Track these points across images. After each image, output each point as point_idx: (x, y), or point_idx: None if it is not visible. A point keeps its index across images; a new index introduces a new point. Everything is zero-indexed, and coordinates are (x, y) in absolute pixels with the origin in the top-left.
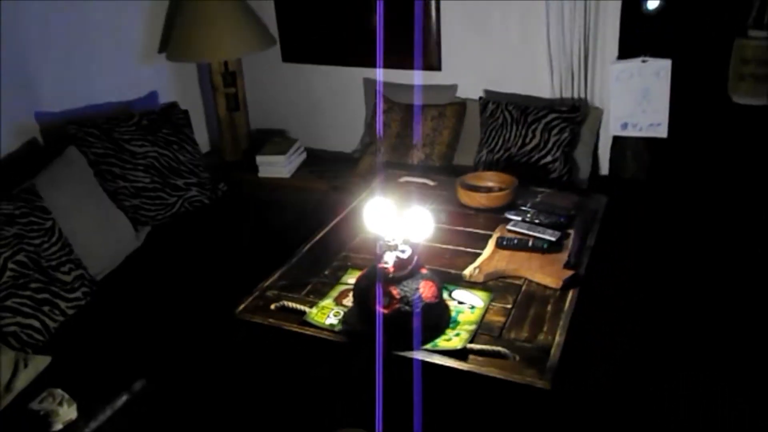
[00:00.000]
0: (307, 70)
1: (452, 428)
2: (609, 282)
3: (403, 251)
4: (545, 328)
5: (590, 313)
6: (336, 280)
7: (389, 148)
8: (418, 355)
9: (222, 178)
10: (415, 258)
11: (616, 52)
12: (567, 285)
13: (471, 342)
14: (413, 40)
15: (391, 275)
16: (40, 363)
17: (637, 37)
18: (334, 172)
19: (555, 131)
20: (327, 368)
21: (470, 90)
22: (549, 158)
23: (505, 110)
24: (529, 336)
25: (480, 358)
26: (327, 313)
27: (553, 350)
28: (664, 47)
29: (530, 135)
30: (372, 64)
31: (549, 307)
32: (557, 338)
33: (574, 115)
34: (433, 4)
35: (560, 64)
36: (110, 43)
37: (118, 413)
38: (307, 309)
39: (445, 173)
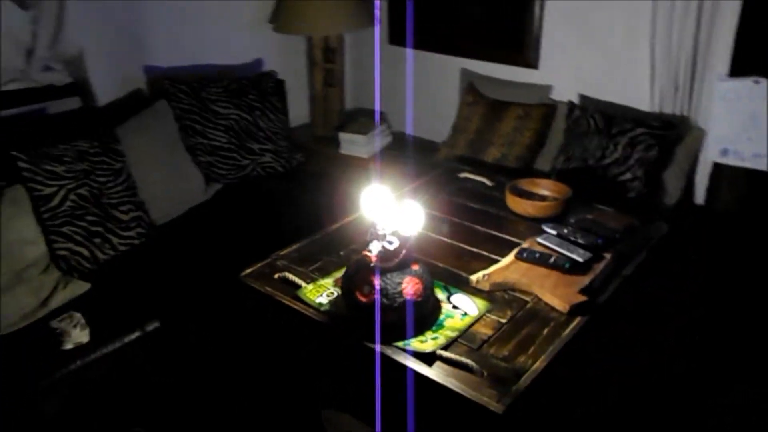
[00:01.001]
0: (409, 54)
1: (404, 425)
2: (632, 318)
3: (390, 242)
4: (530, 351)
5: (599, 346)
6: (344, 262)
7: (466, 143)
8: (385, 350)
9: (304, 150)
10: (403, 251)
11: (727, 68)
12: (575, 311)
13: (445, 349)
14: (513, 34)
15: (372, 264)
16: (78, 288)
17: (754, 54)
18: (412, 159)
19: (640, 147)
20: (314, 345)
21: (566, 93)
22: (628, 175)
23: (591, 118)
24: (508, 355)
25: (446, 367)
26: (321, 292)
27: (526, 375)
28: None
29: (611, 148)
30: (472, 55)
31: (546, 330)
32: (537, 364)
33: (666, 132)
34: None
35: (663, 76)
36: (222, 8)
37: (127, 346)
38: (303, 284)
39: (517, 176)
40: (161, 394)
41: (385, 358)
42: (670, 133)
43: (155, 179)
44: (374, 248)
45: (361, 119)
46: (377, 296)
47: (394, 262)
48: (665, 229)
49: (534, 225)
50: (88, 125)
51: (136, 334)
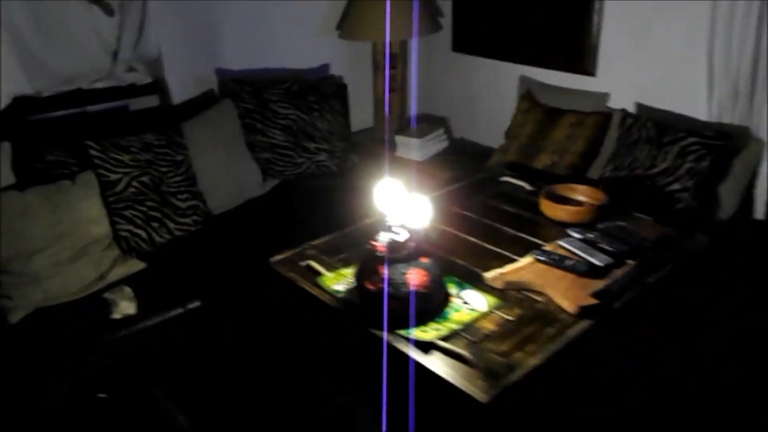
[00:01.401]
0: (472, 61)
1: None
2: (663, 326)
3: (398, 234)
4: (530, 349)
5: (607, 351)
6: None
7: (518, 149)
8: (386, 336)
9: (362, 151)
10: (411, 244)
11: None
12: (583, 313)
13: (445, 340)
14: (571, 41)
15: (380, 255)
16: (134, 266)
17: None
18: (464, 164)
19: (691, 157)
20: (328, 330)
21: (623, 101)
22: (677, 186)
23: (643, 126)
24: (507, 350)
25: (443, 357)
26: (339, 280)
27: (519, 370)
28: None
29: (661, 157)
30: (531, 63)
31: (551, 330)
32: (534, 360)
33: (720, 142)
34: (596, 5)
35: (722, 84)
36: (292, 15)
37: (169, 321)
38: (324, 272)
39: (563, 183)
40: (194, 367)
41: (387, 345)
42: (725, 144)
43: (214, 172)
44: (383, 239)
45: (422, 124)
46: (382, 285)
47: (402, 254)
48: (704, 241)
49: (564, 230)
50: (162, 121)
51: (179, 310)
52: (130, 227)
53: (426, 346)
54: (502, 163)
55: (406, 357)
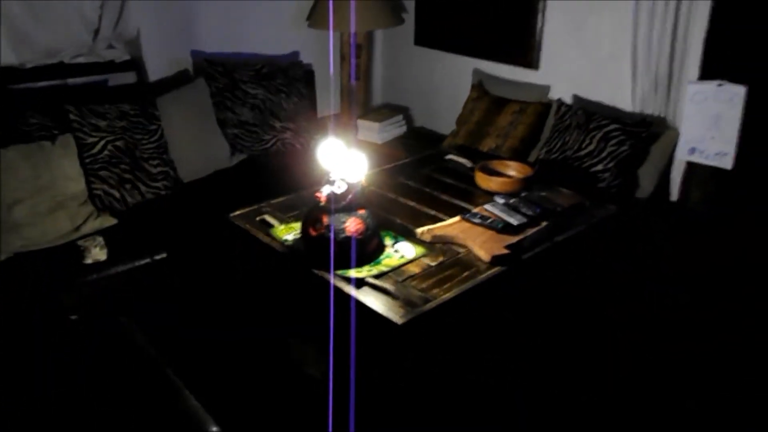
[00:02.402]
0: (432, 54)
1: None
2: (550, 279)
3: (338, 187)
4: (446, 286)
5: (514, 295)
6: None
7: (466, 134)
8: (324, 275)
9: (327, 134)
10: (350, 196)
11: (698, 72)
12: (496, 261)
13: (376, 278)
14: (518, 37)
15: (322, 204)
16: (106, 221)
17: (721, 59)
18: (419, 147)
19: (613, 142)
20: (279, 275)
21: (562, 92)
22: (600, 167)
23: (574, 114)
24: (425, 287)
25: (372, 291)
26: (289, 232)
27: (431, 303)
28: (746, 73)
29: (587, 141)
30: (483, 56)
31: (465, 274)
32: (446, 295)
33: (638, 129)
34: (540, 5)
35: (644, 78)
36: (266, 3)
37: (137, 269)
38: (276, 224)
39: None
40: (158, 308)
41: (323, 282)
42: (643, 131)
43: (185, 143)
44: (325, 191)
45: (383, 111)
46: (323, 231)
47: (342, 205)
48: (613, 210)
49: (492, 198)
50: (138, 95)
51: (146, 260)
52: (104, 186)
53: (358, 283)
54: (453, 146)
55: (342, 293)
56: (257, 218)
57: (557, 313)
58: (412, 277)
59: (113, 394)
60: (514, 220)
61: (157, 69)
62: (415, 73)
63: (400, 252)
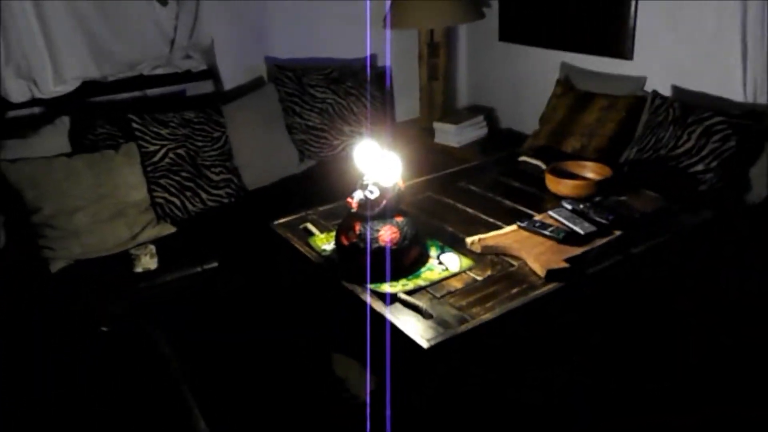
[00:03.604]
0: (517, 50)
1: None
2: (621, 298)
3: (371, 192)
4: (488, 305)
5: (571, 315)
6: None
7: (548, 134)
8: (356, 289)
9: (402, 138)
10: (384, 201)
11: None
12: (552, 276)
13: (410, 294)
14: (608, 24)
15: (354, 211)
16: (165, 229)
17: None
18: (500, 150)
19: (716, 137)
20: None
21: (660, 84)
22: (700, 167)
23: (670, 107)
24: (465, 306)
25: (402, 308)
26: (329, 241)
27: (467, 324)
28: None
29: (685, 137)
30: (571, 49)
31: (514, 290)
32: (485, 316)
33: (747, 122)
34: None
35: (755, 62)
36: (340, 5)
37: (187, 278)
38: (317, 233)
39: None
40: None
41: (352, 296)
42: (752, 124)
43: (252, 150)
44: (356, 196)
45: (463, 113)
46: (355, 240)
47: (376, 211)
48: (707, 216)
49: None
50: (209, 104)
51: (197, 269)
52: (165, 195)
53: (390, 299)
54: (533, 148)
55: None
56: (300, 226)
57: (623, 307)
58: (452, 293)
59: (125, 404)
60: (580, 229)
61: (232, 77)
62: (500, 71)
63: (444, 264)
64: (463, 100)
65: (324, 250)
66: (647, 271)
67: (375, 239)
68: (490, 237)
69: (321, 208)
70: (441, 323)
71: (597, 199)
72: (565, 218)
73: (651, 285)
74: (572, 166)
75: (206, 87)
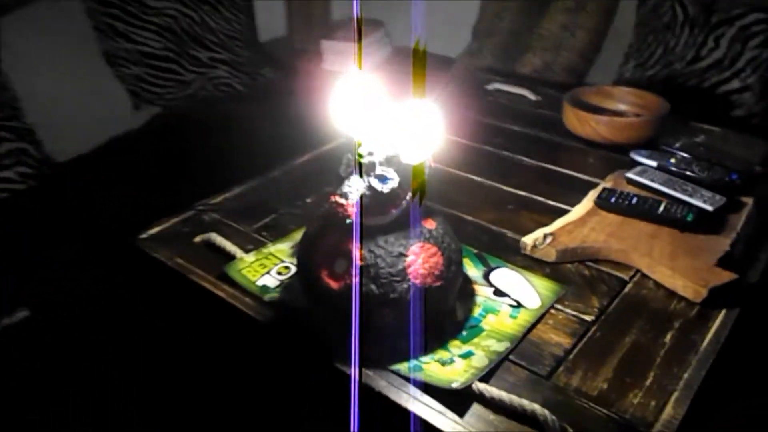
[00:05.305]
0: None
1: None
2: None
3: (384, 179)
4: (649, 381)
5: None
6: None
7: (494, 50)
8: (372, 379)
9: (276, 64)
10: (407, 197)
11: None
12: (715, 297)
13: (486, 380)
14: None
15: (349, 220)
16: None
17: None
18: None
19: (754, 42)
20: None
21: None
22: (736, 84)
23: (678, 4)
24: (608, 390)
25: (492, 416)
26: (269, 267)
27: None
28: None
29: (711, 44)
30: None
31: (670, 337)
32: (669, 410)
33: None
34: None
35: None
36: None
37: None
38: (239, 254)
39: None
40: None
41: (372, 393)
42: None
43: (53, 98)
44: (353, 190)
45: (348, 27)
46: (356, 278)
47: (391, 216)
48: None
49: (611, 155)
50: None
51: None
52: None
53: (457, 398)
54: (476, 70)
55: (400, 413)
56: (196, 239)
57: None
58: (562, 360)
59: None
60: (704, 203)
61: None
62: None
63: (507, 294)
64: (337, 13)
65: (264, 289)
66: None
67: (400, 273)
68: (565, 232)
69: (219, 198)
70: None
71: (679, 144)
72: (660, 184)
73: None
74: (592, 95)
75: None
